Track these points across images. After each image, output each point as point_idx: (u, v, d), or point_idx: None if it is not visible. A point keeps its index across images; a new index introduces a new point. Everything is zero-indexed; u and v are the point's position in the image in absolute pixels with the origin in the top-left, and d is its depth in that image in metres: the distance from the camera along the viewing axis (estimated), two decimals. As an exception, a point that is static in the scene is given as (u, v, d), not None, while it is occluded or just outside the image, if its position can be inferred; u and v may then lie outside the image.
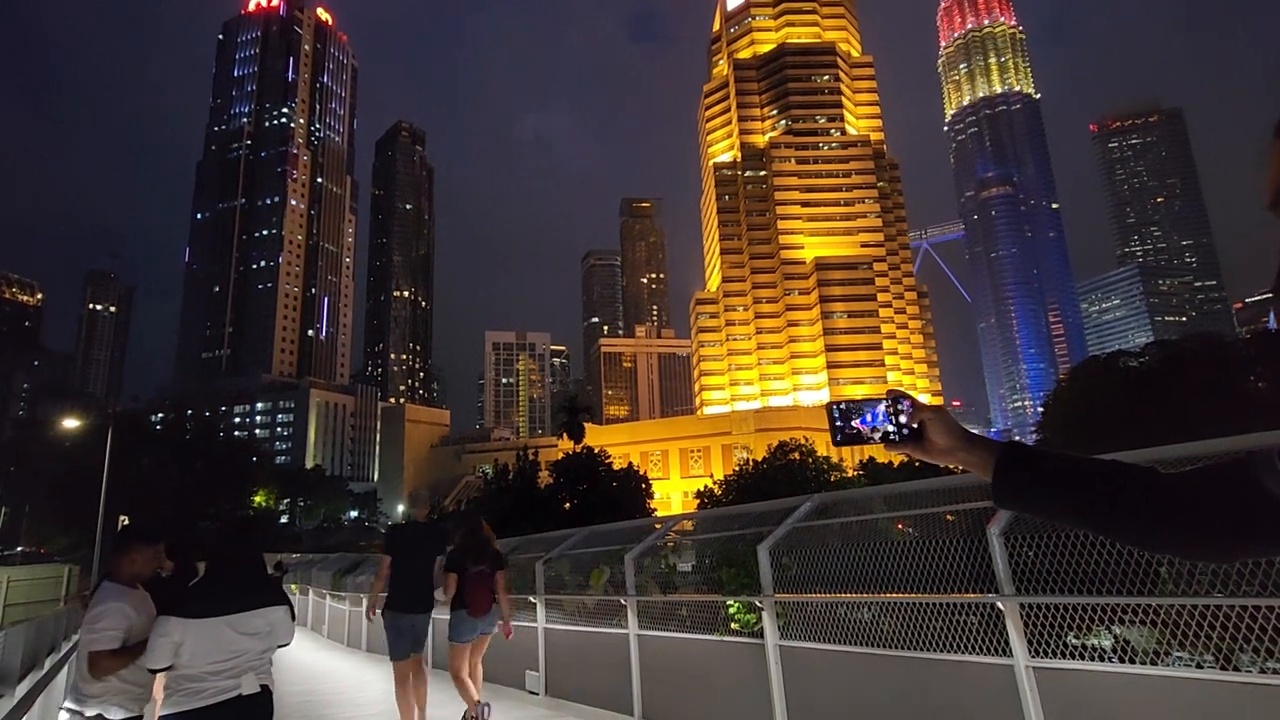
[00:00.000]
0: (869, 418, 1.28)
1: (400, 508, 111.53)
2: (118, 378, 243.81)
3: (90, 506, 33.74)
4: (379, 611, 6.64)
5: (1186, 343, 40.63)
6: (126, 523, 29.69)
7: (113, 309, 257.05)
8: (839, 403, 1.33)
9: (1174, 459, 3.21)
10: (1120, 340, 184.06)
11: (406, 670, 6.29)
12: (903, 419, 1.25)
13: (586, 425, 65.47)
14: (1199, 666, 3.10)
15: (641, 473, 41.49)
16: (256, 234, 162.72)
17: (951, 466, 1.26)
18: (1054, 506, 1.08)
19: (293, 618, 3.45)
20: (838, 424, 1.32)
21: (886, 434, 1.26)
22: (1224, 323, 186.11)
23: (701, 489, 46.32)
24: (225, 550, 3.37)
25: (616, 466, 38.93)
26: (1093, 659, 3.46)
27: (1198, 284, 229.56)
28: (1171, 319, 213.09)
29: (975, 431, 1.27)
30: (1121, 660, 3.33)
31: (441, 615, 6.78)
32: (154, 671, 3.15)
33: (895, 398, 1.27)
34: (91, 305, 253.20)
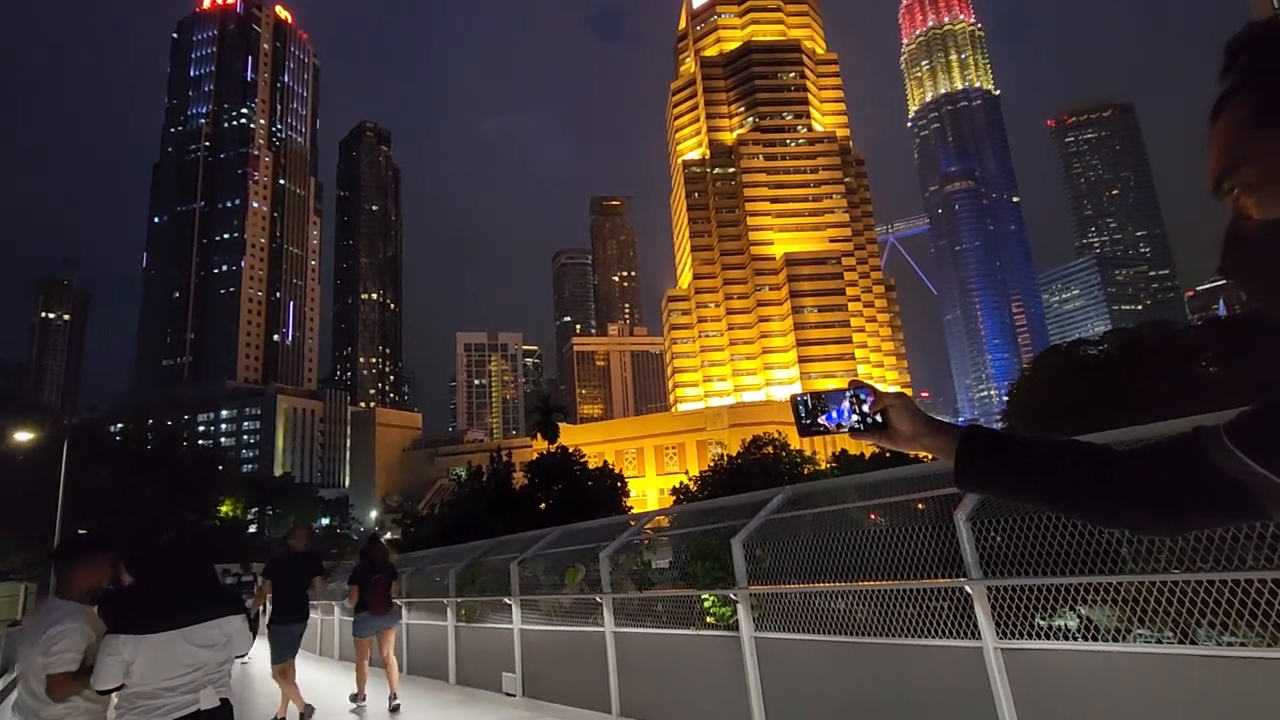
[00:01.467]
0: (834, 411, 1.29)
1: (374, 513, 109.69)
2: (73, 387, 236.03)
3: (47, 521, 32.58)
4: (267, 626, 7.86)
5: (1142, 330, 41.79)
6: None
7: (66, 317, 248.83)
8: (803, 396, 1.33)
9: (1130, 441, 3.28)
10: (1080, 329, 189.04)
11: (287, 668, 7.68)
12: (866, 408, 1.26)
13: (560, 425, 65.08)
14: (1159, 642, 3.18)
15: (617, 471, 41.40)
16: (217, 237, 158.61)
17: (921, 454, 1.26)
18: (1014, 487, 1.10)
19: (251, 628, 3.35)
20: (804, 418, 1.33)
21: (851, 425, 1.27)
22: (1177, 311, 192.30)
23: (677, 485, 46.54)
24: (176, 560, 3.25)
25: (591, 465, 38.78)
26: (1059, 639, 3.52)
27: (1152, 274, 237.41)
28: (1128, 308, 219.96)
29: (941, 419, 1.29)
30: (1086, 639, 3.40)
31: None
32: (103, 693, 2.99)
33: (856, 388, 1.28)
34: (44, 314, 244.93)
